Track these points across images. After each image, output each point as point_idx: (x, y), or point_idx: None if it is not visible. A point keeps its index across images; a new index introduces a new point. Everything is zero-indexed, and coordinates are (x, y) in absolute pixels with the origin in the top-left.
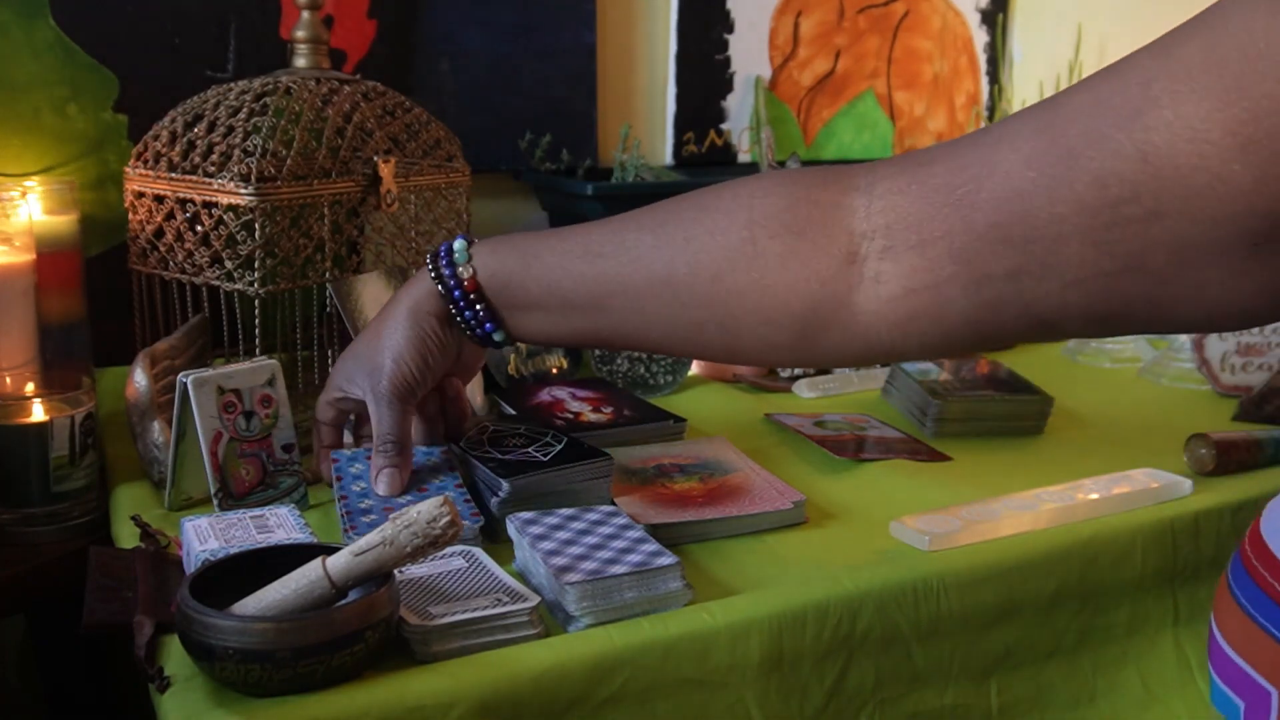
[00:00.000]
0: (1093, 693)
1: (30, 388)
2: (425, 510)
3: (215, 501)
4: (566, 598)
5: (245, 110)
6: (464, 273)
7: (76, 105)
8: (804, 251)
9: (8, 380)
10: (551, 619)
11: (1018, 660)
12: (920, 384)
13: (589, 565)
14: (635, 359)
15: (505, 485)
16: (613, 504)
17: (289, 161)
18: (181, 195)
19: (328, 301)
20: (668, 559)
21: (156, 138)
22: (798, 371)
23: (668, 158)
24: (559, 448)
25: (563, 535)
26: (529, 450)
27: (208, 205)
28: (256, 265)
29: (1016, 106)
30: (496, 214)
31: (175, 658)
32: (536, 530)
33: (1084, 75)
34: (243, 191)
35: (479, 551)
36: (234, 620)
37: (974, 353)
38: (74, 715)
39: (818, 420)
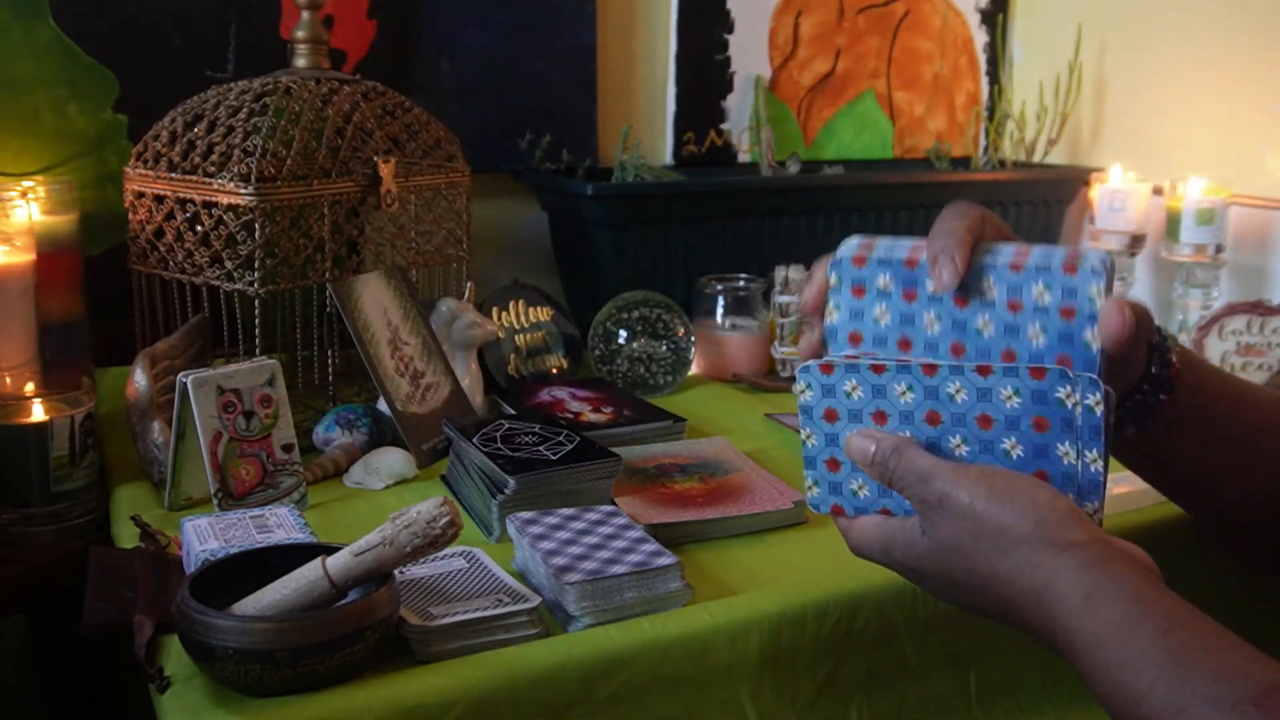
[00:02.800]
0: (1061, 679)
1: (30, 388)
2: (425, 510)
3: (215, 501)
4: (566, 598)
5: (245, 110)
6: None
7: (76, 105)
8: None
9: (8, 380)
10: (551, 619)
11: (997, 650)
12: None
13: (589, 565)
14: (635, 359)
15: (511, 482)
16: (613, 504)
17: (289, 161)
18: (181, 195)
19: (328, 301)
20: (668, 559)
21: (156, 138)
22: (798, 370)
23: (668, 158)
24: (570, 447)
25: (563, 535)
26: (540, 449)
27: (208, 205)
28: (256, 265)
29: (1016, 107)
30: (496, 214)
31: (175, 658)
32: (536, 530)
33: (1083, 75)
34: (243, 191)
35: (479, 552)
36: (234, 620)
37: None
38: (74, 715)
39: None
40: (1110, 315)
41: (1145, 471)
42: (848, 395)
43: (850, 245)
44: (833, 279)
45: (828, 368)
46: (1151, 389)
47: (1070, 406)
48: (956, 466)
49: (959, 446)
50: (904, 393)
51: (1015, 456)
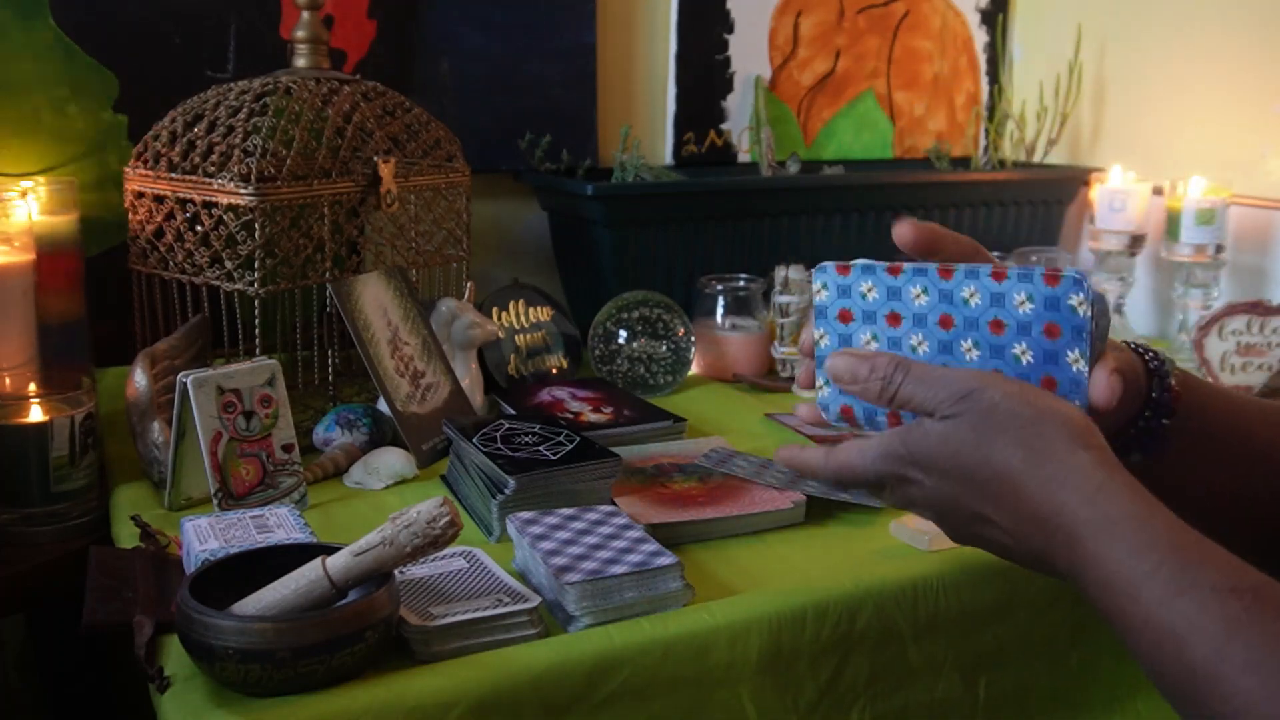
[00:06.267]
0: (1074, 688)
1: (30, 388)
2: (425, 510)
3: (215, 501)
4: (566, 598)
5: (245, 110)
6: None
7: (76, 105)
8: None
9: (8, 380)
10: (551, 619)
11: (1008, 656)
12: None
13: (589, 565)
14: (635, 359)
15: (511, 482)
16: (613, 504)
17: (289, 161)
18: (181, 195)
19: (328, 301)
20: (668, 559)
21: (156, 138)
22: (798, 370)
23: (668, 158)
24: (570, 447)
25: (563, 535)
26: (540, 449)
27: (208, 205)
28: (256, 265)
29: (1016, 107)
30: (496, 214)
31: (175, 658)
32: (536, 530)
33: (1083, 75)
34: (243, 191)
35: (479, 552)
36: (234, 620)
37: None
38: (74, 715)
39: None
40: (1099, 383)
41: (1166, 502)
42: (863, 296)
43: (828, 264)
44: (817, 285)
45: (844, 269)
46: (1154, 415)
47: (1082, 314)
48: (980, 370)
49: (970, 351)
50: (919, 295)
51: (1025, 362)
